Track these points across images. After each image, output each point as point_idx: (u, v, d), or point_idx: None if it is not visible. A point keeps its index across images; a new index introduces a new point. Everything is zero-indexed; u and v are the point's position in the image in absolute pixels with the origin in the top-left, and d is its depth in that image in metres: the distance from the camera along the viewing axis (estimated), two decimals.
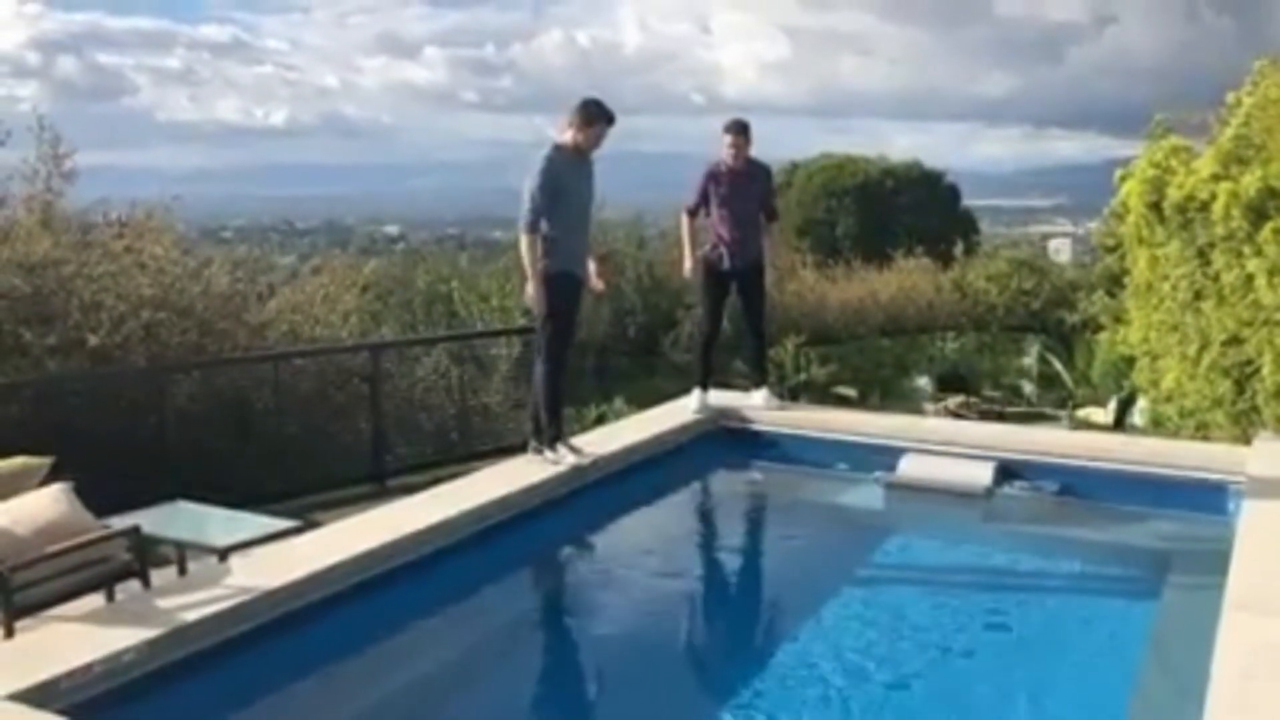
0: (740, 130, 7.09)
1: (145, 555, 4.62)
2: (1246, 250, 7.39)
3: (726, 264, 7.22)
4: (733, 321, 8.18)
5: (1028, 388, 12.74)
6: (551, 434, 6.18)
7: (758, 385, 7.55)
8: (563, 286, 6.02)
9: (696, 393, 7.42)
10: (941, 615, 4.98)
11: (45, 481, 4.61)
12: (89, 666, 3.63)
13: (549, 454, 6.14)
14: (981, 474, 6.38)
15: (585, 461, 6.15)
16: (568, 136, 6.06)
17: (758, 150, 7.26)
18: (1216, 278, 7.69)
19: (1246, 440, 6.84)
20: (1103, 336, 11.25)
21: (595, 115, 6.06)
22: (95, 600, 4.50)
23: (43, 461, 4.69)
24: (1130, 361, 9.78)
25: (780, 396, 7.93)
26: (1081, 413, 11.17)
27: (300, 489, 7.41)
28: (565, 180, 5.97)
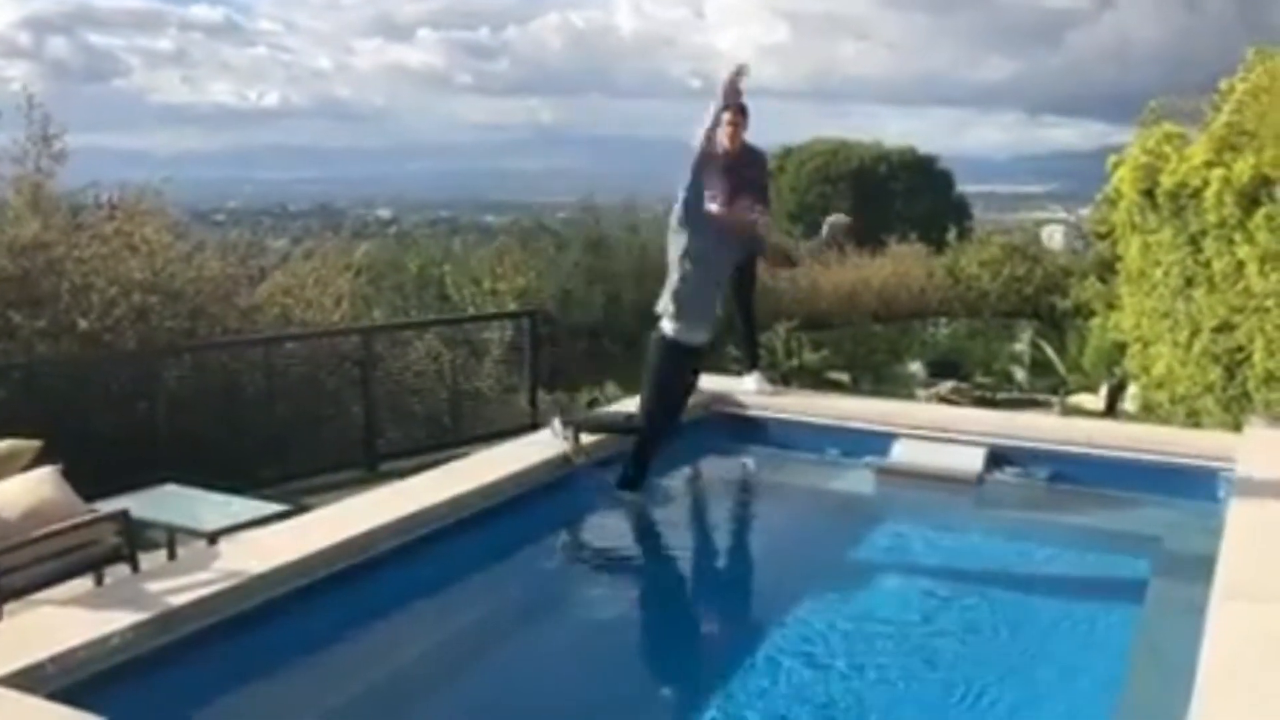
0: (740, 110, 6.74)
1: (134, 539, 4.62)
2: (1238, 237, 7.39)
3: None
4: (725, 307, 8.16)
5: (1019, 374, 12.76)
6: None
7: (749, 370, 7.54)
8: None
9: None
10: (931, 601, 4.98)
11: (33, 465, 4.59)
12: (76, 650, 3.62)
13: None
14: (973, 460, 6.37)
15: (569, 449, 6.14)
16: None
17: (755, 135, 7.12)
18: (1208, 264, 7.68)
19: (1237, 426, 6.85)
20: (1095, 322, 11.26)
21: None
22: (83, 584, 4.49)
23: (31, 445, 4.67)
24: (1122, 348, 9.79)
25: (772, 382, 7.93)
26: (1073, 399, 11.20)
27: (291, 473, 7.41)
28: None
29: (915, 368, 13.48)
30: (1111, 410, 10.29)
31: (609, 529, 6.22)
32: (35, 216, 7.63)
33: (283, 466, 7.53)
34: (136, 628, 3.81)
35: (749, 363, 7.59)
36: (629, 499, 5.98)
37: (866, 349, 14.59)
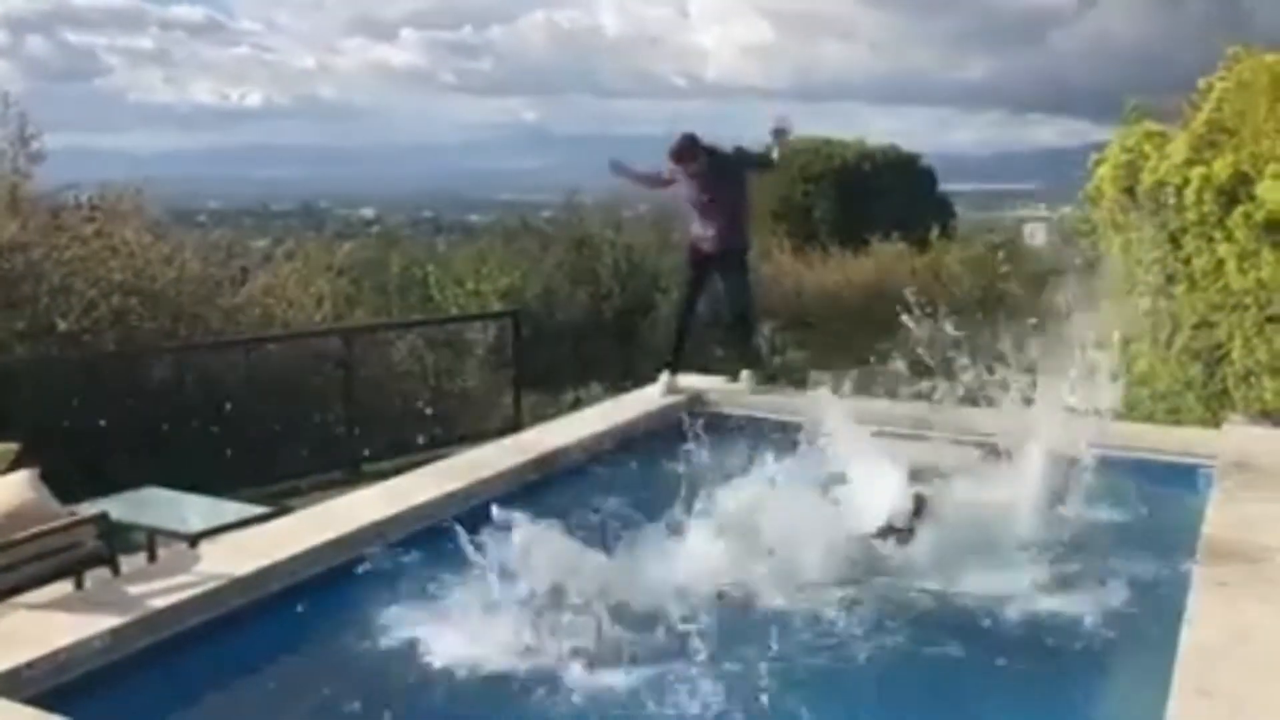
0: (689, 157, 7.21)
1: (114, 542, 4.59)
2: (1217, 235, 7.44)
3: (707, 247, 7.35)
4: (712, 306, 8.23)
5: None
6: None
7: (737, 371, 7.59)
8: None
9: (665, 375, 7.43)
10: (920, 599, 4.98)
11: (11, 468, 4.56)
12: (55, 654, 3.60)
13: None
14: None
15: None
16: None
17: (740, 133, 7.61)
18: (1188, 262, 7.73)
19: (1217, 423, 6.90)
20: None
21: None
22: (64, 587, 4.46)
23: (8, 448, 4.64)
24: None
25: (758, 381, 7.94)
26: None
27: (273, 475, 7.37)
28: None
29: (897, 365, 13.46)
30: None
31: (581, 529, 6.19)
32: (13, 218, 7.59)
33: (264, 468, 7.49)
34: (117, 631, 3.79)
35: (738, 363, 7.65)
36: None
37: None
